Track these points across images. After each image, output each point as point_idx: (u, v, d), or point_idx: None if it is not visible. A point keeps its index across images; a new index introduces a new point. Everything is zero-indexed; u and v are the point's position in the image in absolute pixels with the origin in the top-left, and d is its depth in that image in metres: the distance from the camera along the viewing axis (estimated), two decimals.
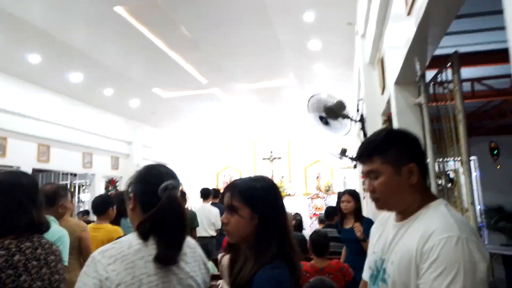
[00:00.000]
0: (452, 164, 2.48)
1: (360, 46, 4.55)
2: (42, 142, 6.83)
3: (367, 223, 3.28)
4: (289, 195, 11.12)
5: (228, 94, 8.30)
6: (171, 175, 1.33)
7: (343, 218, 3.69)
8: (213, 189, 6.56)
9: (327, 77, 7.29)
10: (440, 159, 2.62)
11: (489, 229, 7.48)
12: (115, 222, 3.35)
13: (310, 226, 10.20)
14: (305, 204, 11.00)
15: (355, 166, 7.41)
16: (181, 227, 1.25)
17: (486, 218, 7.57)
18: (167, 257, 1.18)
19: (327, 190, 11.12)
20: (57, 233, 2.40)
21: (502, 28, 1.09)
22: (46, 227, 1.51)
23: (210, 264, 3.63)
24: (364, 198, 4.54)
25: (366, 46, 4.33)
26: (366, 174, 1.23)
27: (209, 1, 4.48)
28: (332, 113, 4.16)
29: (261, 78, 7.44)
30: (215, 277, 3.19)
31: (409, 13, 2.12)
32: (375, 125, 3.97)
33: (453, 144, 2.34)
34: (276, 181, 11.32)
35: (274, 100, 8.90)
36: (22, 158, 6.37)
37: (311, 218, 10.77)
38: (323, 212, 8.00)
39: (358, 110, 5.18)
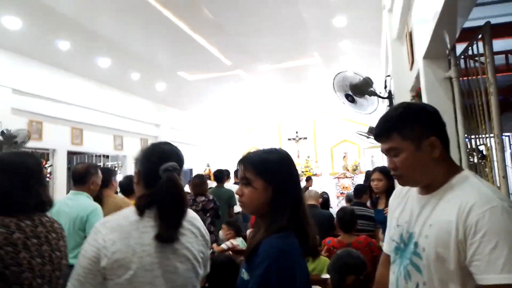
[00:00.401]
0: (484, 141, 2.42)
1: (387, 21, 4.41)
2: (75, 125, 7.09)
3: None
4: (315, 175, 11.07)
5: (252, 75, 8.28)
6: (175, 152, 1.39)
7: (375, 197, 3.42)
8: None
9: (353, 54, 7.13)
10: (472, 136, 2.55)
11: None
12: None
13: (337, 205, 10.17)
14: (332, 184, 10.92)
15: None
16: (179, 207, 1.31)
17: None
18: (167, 237, 1.25)
19: (355, 170, 11.00)
20: (90, 206, 2.65)
21: None
22: (49, 205, 1.55)
23: (240, 240, 3.73)
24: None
25: (393, 21, 4.19)
26: (386, 152, 1.21)
27: None
28: (358, 90, 4.09)
29: (285, 58, 7.37)
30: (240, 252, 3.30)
31: None
32: (403, 101, 3.87)
33: (485, 120, 2.27)
34: (302, 161, 11.33)
35: (298, 80, 8.80)
36: (57, 142, 6.66)
37: (338, 197, 10.73)
38: (350, 191, 7.99)
39: (385, 87, 5.07)
